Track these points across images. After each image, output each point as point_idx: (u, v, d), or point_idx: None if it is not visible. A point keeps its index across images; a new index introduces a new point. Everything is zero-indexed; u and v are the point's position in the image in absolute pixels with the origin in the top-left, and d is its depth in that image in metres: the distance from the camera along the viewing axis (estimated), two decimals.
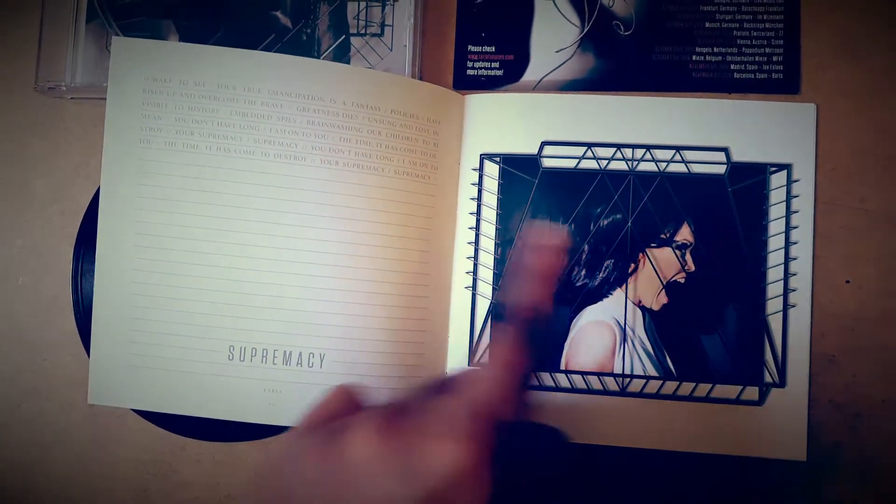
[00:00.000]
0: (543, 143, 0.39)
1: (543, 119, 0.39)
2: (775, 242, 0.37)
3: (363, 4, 0.41)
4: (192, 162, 0.37)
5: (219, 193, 0.37)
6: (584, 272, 0.38)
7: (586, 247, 0.38)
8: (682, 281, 0.38)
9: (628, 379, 0.38)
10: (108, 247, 0.37)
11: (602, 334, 0.38)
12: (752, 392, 0.37)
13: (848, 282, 0.37)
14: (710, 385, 0.37)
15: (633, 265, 0.38)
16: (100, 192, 0.37)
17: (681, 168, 0.38)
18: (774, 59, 0.39)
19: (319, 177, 0.37)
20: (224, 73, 0.37)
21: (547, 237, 0.34)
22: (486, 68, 0.40)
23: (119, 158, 0.37)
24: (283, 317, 0.37)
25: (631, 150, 0.38)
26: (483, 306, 0.39)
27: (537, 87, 0.40)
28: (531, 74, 0.40)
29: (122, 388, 0.37)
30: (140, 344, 0.37)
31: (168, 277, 0.37)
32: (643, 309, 0.38)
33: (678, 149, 0.38)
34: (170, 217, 0.37)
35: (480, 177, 0.39)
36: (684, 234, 0.38)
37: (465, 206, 0.39)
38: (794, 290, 0.37)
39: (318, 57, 0.40)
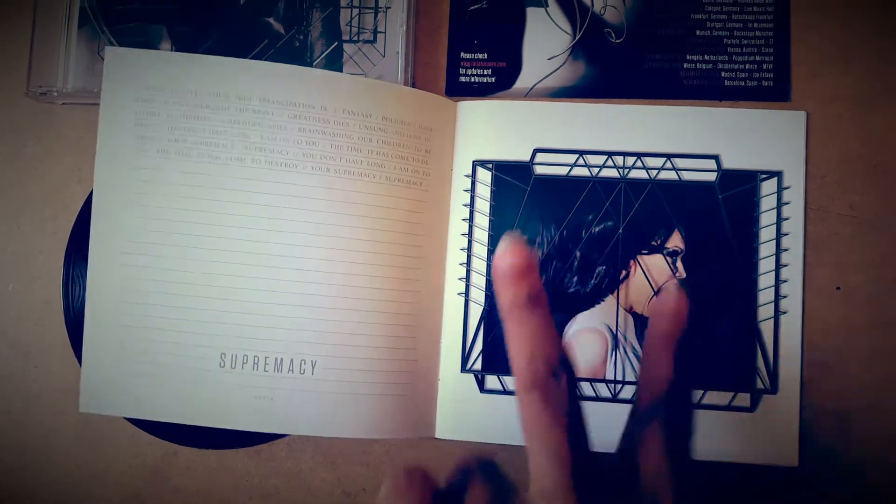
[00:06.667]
0: (535, 151, 0.39)
1: (535, 126, 0.39)
2: (766, 249, 0.38)
3: (356, 11, 0.41)
4: (185, 169, 0.37)
5: (210, 200, 0.37)
6: (575, 279, 0.38)
7: (578, 253, 0.38)
8: None
9: (620, 385, 0.38)
10: (100, 254, 0.37)
11: (594, 341, 0.38)
12: (743, 398, 0.37)
13: (838, 288, 0.37)
14: (702, 391, 0.37)
15: (624, 272, 0.38)
16: (92, 201, 0.37)
17: (672, 175, 0.38)
18: (765, 66, 0.39)
19: (310, 183, 0.37)
20: (217, 82, 0.37)
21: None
22: (478, 75, 0.41)
23: (112, 167, 0.37)
24: (275, 323, 0.37)
25: (622, 157, 0.39)
26: (476, 312, 0.39)
27: (529, 94, 0.40)
28: (523, 81, 0.40)
29: (114, 396, 0.37)
30: (132, 351, 0.37)
31: (160, 284, 0.37)
32: (635, 315, 0.38)
33: (669, 156, 0.38)
34: (162, 224, 0.37)
35: (473, 183, 0.39)
36: (675, 241, 0.38)
37: (458, 213, 0.39)
38: (784, 297, 0.37)
39: (311, 63, 0.40)
